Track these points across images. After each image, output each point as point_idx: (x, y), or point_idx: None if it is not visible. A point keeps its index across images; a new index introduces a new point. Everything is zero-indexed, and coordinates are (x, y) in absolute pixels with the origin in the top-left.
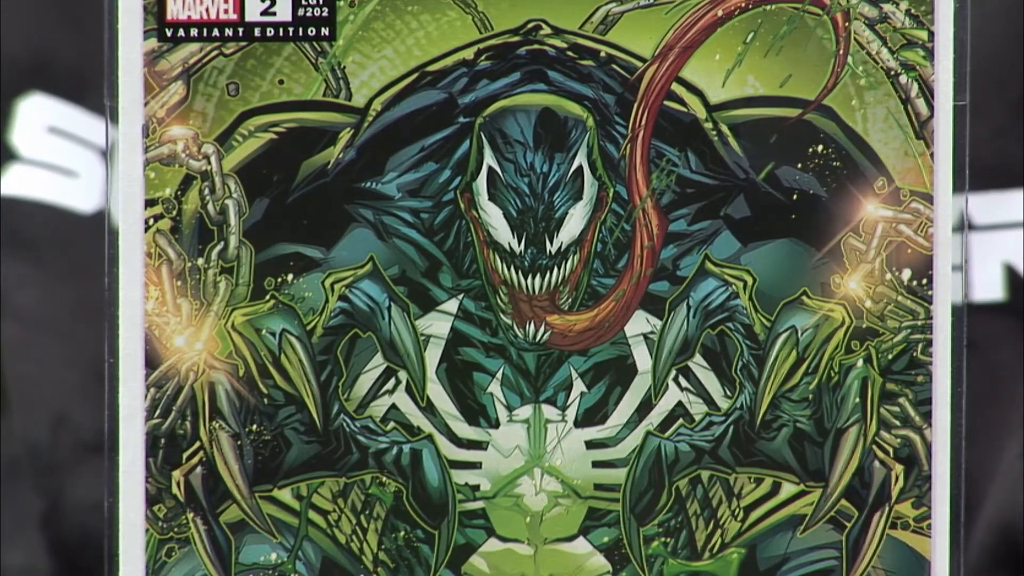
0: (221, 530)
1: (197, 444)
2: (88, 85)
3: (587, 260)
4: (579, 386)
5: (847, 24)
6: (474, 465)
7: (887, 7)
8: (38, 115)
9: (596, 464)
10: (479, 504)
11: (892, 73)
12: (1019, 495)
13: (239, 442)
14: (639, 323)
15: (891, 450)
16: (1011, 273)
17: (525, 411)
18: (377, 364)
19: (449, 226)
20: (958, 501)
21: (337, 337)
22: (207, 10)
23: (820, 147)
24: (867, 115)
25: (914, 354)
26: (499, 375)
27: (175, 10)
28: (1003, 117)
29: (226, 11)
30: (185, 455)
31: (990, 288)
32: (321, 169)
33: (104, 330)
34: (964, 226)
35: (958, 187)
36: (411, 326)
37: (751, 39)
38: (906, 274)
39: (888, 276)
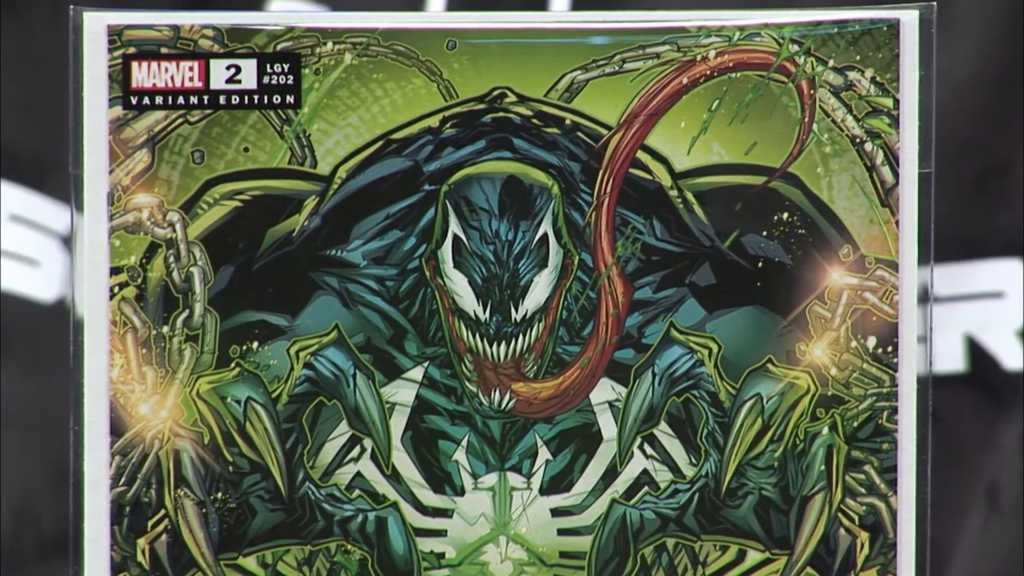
0: None
1: (162, 512)
2: (50, 171)
3: (552, 328)
4: (544, 453)
5: (812, 92)
6: (439, 533)
7: (852, 75)
8: (1, 203)
9: (561, 531)
10: (444, 572)
11: (857, 140)
12: (982, 567)
13: (204, 510)
14: (604, 391)
15: (856, 518)
16: (972, 344)
17: (490, 479)
18: (342, 432)
19: (414, 294)
20: (923, 569)
21: (302, 405)
22: (172, 78)
23: (785, 215)
24: (832, 183)
25: (879, 422)
26: (464, 443)
27: (140, 78)
28: (963, 190)
29: (191, 79)
30: (150, 523)
31: (951, 360)
32: (286, 237)
33: (69, 399)
34: (930, 296)
35: (923, 254)
36: (376, 394)
37: (716, 107)
38: (871, 342)
39: (853, 344)
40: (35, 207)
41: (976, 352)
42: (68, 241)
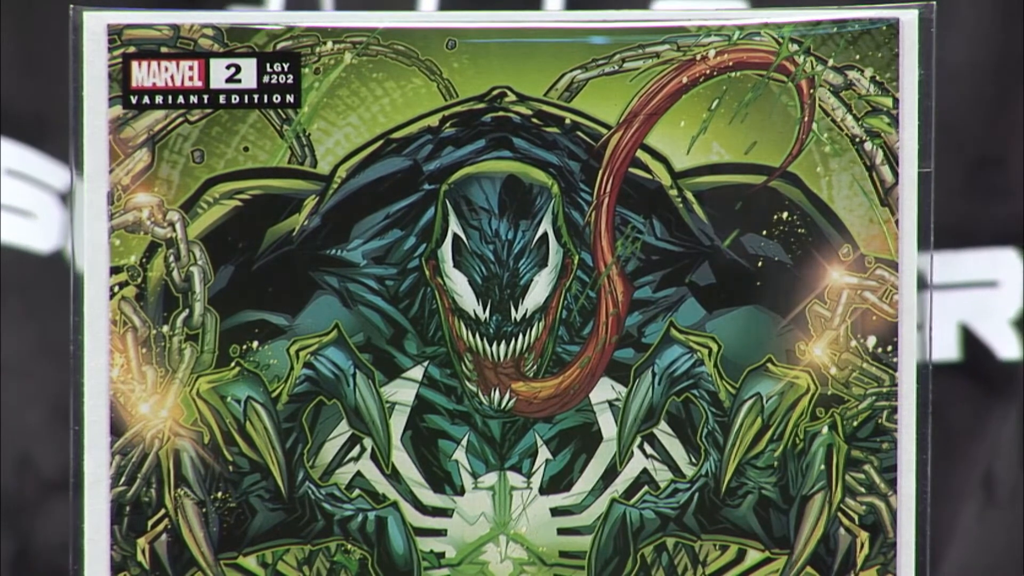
0: None
1: (162, 511)
2: (48, 129)
3: (552, 327)
4: (544, 453)
5: (812, 91)
6: (439, 532)
7: (852, 74)
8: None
9: (561, 531)
10: (444, 572)
11: (857, 140)
12: (977, 558)
13: (204, 509)
14: (604, 390)
15: (856, 517)
16: (967, 334)
17: (490, 478)
18: (342, 431)
19: (414, 293)
20: (923, 568)
21: (302, 404)
22: (172, 77)
23: (785, 214)
24: (832, 182)
25: (879, 421)
26: (464, 442)
27: (140, 77)
28: (959, 179)
29: (191, 78)
30: (150, 522)
31: (946, 349)
32: (286, 236)
33: (68, 372)
34: (930, 288)
35: (923, 246)
36: (376, 393)
37: (716, 106)
38: (871, 341)
39: (853, 343)
40: (33, 163)
41: (971, 341)
42: (65, 197)
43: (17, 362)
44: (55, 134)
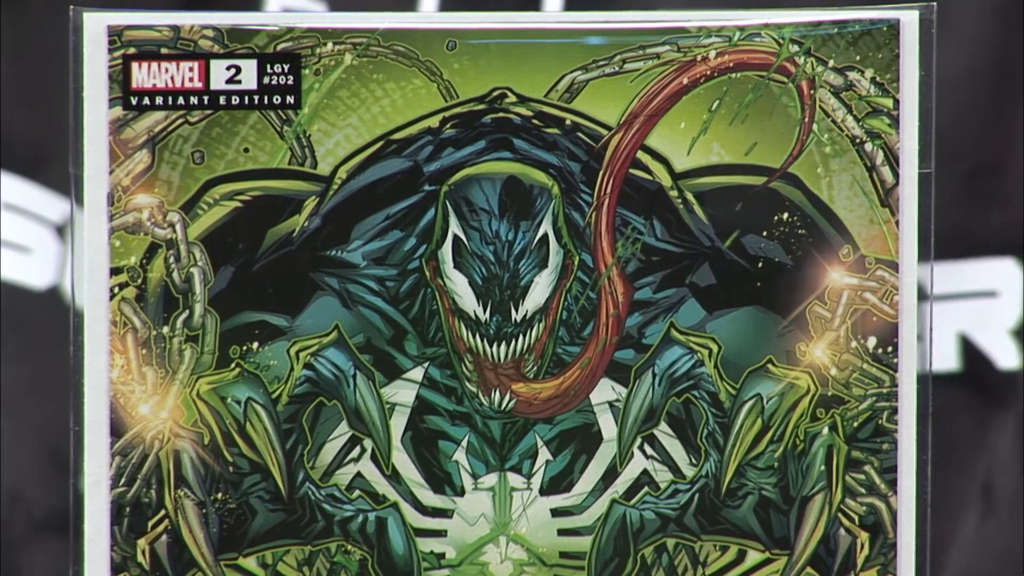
0: None
1: (162, 512)
2: (45, 161)
3: (552, 328)
4: (544, 454)
5: (812, 92)
6: (439, 533)
7: (852, 75)
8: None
9: (561, 532)
10: (444, 572)
11: (857, 141)
12: (977, 566)
13: (204, 510)
14: (604, 391)
15: (856, 518)
16: (966, 344)
17: (490, 479)
18: (342, 432)
19: (414, 294)
20: (923, 569)
21: (302, 405)
22: (172, 78)
23: (785, 215)
24: (832, 183)
25: (879, 422)
26: (464, 443)
27: (140, 78)
28: (958, 188)
29: (191, 79)
30: (150, 523)
31: (946, 358)
32: (286, 237)
33: (68, 400)
34: (930, 295)
35: (923, 254)
36: (376, 394)
37: (716, 107)
38: (871, 342)
39: (853, 344)
40: (29, 196)
41: (970, 351)
42: (62, 230)
43: (11, 400)
44: (52, 166)
